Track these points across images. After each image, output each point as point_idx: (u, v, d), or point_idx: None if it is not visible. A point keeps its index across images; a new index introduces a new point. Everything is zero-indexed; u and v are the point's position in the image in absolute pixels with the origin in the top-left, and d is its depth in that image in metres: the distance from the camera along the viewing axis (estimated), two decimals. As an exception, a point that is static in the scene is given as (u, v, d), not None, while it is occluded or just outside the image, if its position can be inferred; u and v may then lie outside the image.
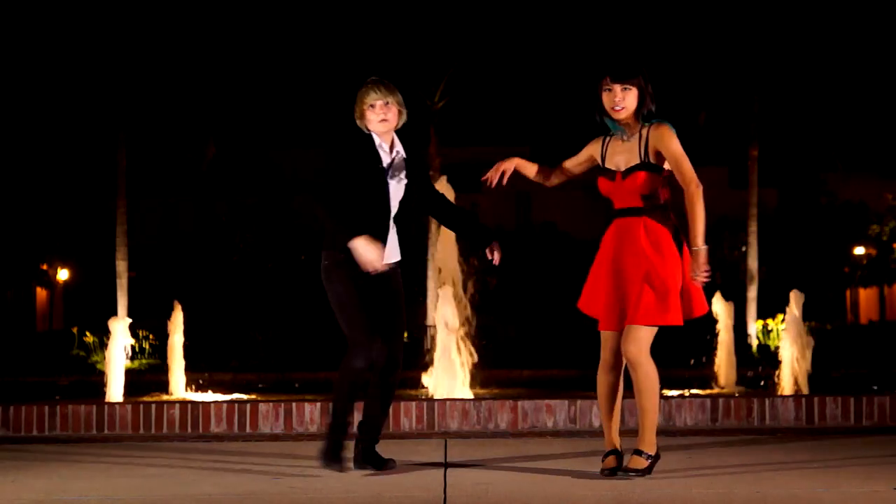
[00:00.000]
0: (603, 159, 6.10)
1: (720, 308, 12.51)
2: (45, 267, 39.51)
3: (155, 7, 21.85)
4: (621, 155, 6.03)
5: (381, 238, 6.19)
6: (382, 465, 6.29)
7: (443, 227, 12.28)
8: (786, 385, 11.02)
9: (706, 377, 12.19)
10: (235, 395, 11.18)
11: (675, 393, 10.66)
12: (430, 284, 22.10)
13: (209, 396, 11.35)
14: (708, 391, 11.53)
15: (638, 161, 5.97)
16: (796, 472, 6.14)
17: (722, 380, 12.12)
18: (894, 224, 38.74)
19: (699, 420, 9.11)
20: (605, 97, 6.02)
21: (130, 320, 11.61)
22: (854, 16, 23.57)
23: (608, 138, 6.11)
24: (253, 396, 10.91)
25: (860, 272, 40.37)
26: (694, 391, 11.26)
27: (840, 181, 39.29)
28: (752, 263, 24.12)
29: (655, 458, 5.95)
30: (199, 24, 22.41)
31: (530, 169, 6.36)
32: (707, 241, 5.90)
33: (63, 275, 40.32)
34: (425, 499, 5.38)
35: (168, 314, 12.20)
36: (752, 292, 23.71)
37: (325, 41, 23.61)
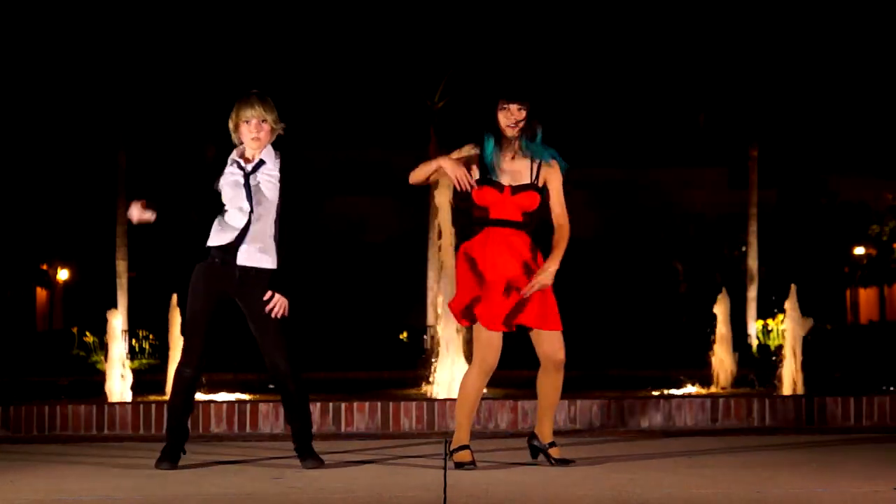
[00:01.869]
0: (484, 174, 6.41)
1: (720, 308, 12.49)
2: (45, 267, 39.50)
3: (154, 9, 21.85)
4: (508, 172, 6.41)
5: (235, 242, 6.46)
6: (315, 464, 6.49)
7: (442, 232, 12.30)
8: (786, 385, 11.01)
9: (706, 377, 12.18)
10: (235, 395, 11.17)
11: (675, 393, 10.66)
12: (430, 285, 22.10)
13: (209, 396, 11.34)
14: (708, 391, 11.52)
15: (528, 181, 6.41)
16: (796, 472, 6.14)
17: (722, 380, 12.11)
18: (894, 224, 38.73)
19: (699, 420, 9.11)
20: (502, 115, 6.41)
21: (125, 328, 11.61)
22: (853, 17, 23.57)
23: (490, 154, 6.43)
24: (253, 396, 10.90)
25: (860, 272, 40.37)
26: (694, 391, 11.26)
27: (840, 181, 39.35)
28: (752, 263, 24.13)
29: None
30: (199, 25, 22.41)
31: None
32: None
33: (63, 275, 40.31)
34: (425, 499, 5.38)
35: (167, 313, 12.18)
36: (752, 292, 23.71)
37: (325, 42, 23.61)
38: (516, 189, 6.39)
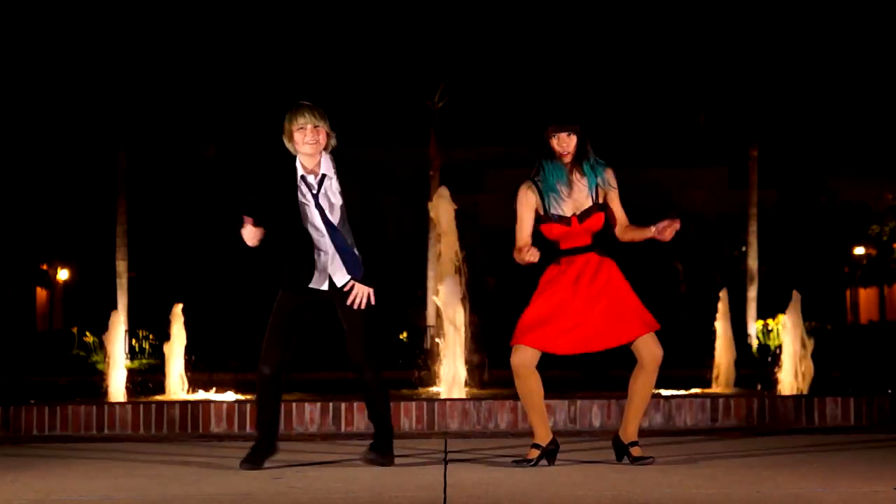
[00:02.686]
0: (547, 207, 6.47)
1: (720, 308, 12.50)
2: (45, 267, 39.51)
3: (154, 9, 21.84)
4: (571, 200, 6.47)
5: (314, 265, 6.53)
6: (376, 459, 6.53)
7: (443, 231, 12.31)
8: (786, 385, 11.02)
9: (706, 377, 12.19)
10: (235, 395, 11.18)
11: (675, 393, 10.66)
12: (430, 285, 22.11)
13: (209, 396, 11.35)
14: (708, 391, 11.52)
15: (591, 204, 6.47)
16: (796, 472, 6.14)
17: (722, 380, 12.12)
18: (894, 224, 38.75)
19: (699, 420, 9.12)
20: (555, 142, 6.46)
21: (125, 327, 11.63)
22: (853, 17, 23.56)
23: (542, 188, 6.50)
24: (253, 396, 10.90)
25: (860, 272, 40.38)
26: (694, 391, 11.26)
27: (840, 181, 39.34)
28: (752, 263, 24.14)
29: None
30: (198, 25, 22.39)
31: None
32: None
33: (63, 275, 40.31)
34: (425, 498, 5.38)
35: (168, 314, 12.19)
36: (752, 292, 23.73)
37: (326, 42, 23.59)
38: (582, 216, 6.45)
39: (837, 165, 39.75)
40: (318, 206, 6.48)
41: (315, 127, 6.45)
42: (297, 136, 6.45)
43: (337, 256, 6.52)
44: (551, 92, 23.38)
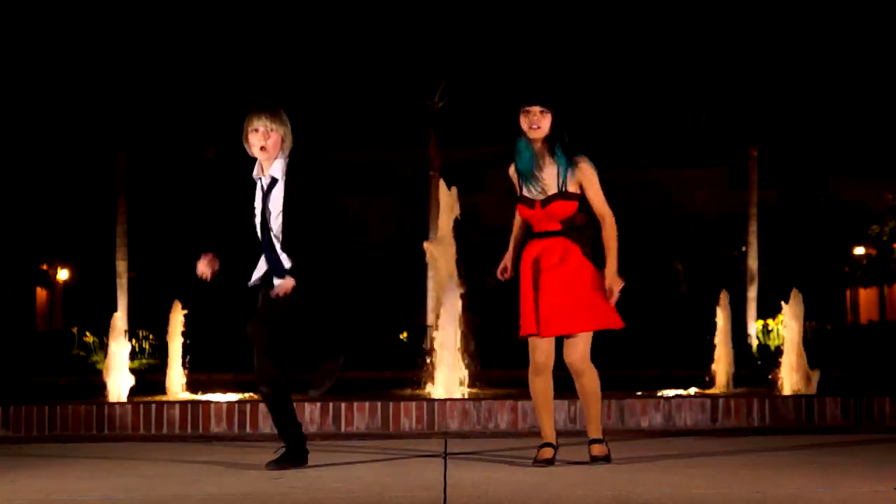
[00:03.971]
0: (521, 188, 6.51)
1: (720, 308, 12.49)
2: (45, 267, 39.51)
3: (155, 9, 21.85)
4: (540, 182, 6.45)
5: (263, 266, 6.61)
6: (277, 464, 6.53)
7: (441, 230, 12.32)
8: (786, 385, 11.02)
9: (706, 377, 12.18)
10: (235, 395, 11.18)
11: (675, 393, 10.66)
12: (430, 285, 22.12)
13: (209, 396, 11.35)
14: (708, 391, 11.52)
15: (555, 191, 6.40)
16: (796, 472, 6.14)
17: (722, 380, 12.12)
18: (894, 224, 38.75)
19: (699, 420, 9.12)
20: (523, 119, 6.44)
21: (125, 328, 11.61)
22: (853, 18, 23.57)
23: (524, 160, 6.49)
24: (253, 396, 10.90)
25: (860, 272, 40.39)
26: (694, 391, 11.26)
27: (840, 181, 39.32)
28: (752, 263, 24.15)
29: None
30: (199, 25, 22.39)
31: (512, 254, 6.69)
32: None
33: (63, 275, 40.31)
34: (425, 498, 5.38)
35: (168, 314, 12.19)
36: (752, 292, 23.73)
37: (326, 42, 23.59)
38: (545, 202, 6.41)
39: (837, 165, 39.73)
40: (264, 209, 6.53)
41: (268, 130, 6.51)
42: (251, 137, 6.55)
43: (272, 256, 6.55)
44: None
